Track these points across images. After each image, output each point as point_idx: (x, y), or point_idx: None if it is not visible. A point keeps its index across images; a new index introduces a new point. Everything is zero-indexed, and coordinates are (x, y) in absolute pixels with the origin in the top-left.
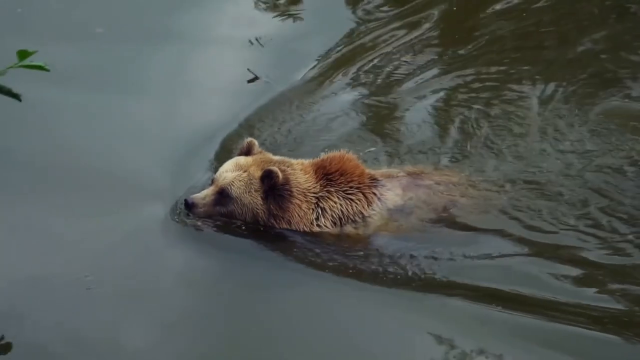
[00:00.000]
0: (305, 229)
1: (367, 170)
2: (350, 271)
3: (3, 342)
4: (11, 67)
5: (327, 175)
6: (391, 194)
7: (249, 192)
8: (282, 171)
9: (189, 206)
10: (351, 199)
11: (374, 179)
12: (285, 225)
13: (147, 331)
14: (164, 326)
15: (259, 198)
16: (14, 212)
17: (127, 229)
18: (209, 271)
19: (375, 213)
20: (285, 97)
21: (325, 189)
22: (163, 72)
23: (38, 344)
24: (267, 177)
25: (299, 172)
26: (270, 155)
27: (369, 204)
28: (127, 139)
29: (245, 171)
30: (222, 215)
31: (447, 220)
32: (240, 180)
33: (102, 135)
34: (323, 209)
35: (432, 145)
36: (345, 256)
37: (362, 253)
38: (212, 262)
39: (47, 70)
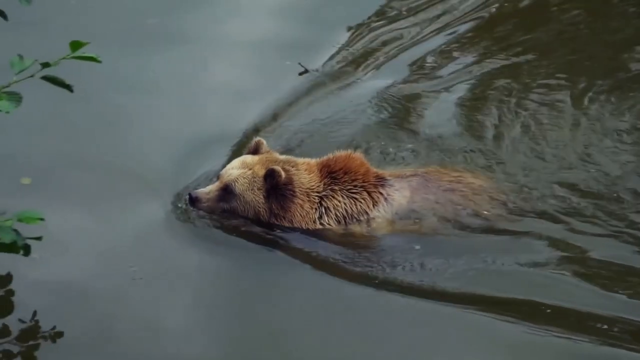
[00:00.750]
0: (308, 227)
1: (374, 170)
2: (353, 271)
3: (55, 330)
4: (64, 58)
5: (332, 174)
6: (398, 195)
7: (252, 189)
8: (286, 171)
9: (193, 200)
10: (355, 198)
11: (381, 178)
12: (287, 224)
13: (183, 320)
14: (197, 314)
15: (261, 196)
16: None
17: (153, 223)
18: (220, 269)
19: (380, 214)
20: (312, 90)
21: (329, 188)
22: (181, 72)
23: (95, 333)
24: (270, 176)
25: (303, 172)
26: (276, 155)
27: (375, 203)
28: (143, 136)
29: (250, 169)
30: (225, 211)
31: (460, 224)
32: (244, 178)
33: (122, 133)
34: (327, 208)
35: (463, 144)
36: (351, 257)
37: (366, 254)
38: (222, 259)
39: (99, 62)
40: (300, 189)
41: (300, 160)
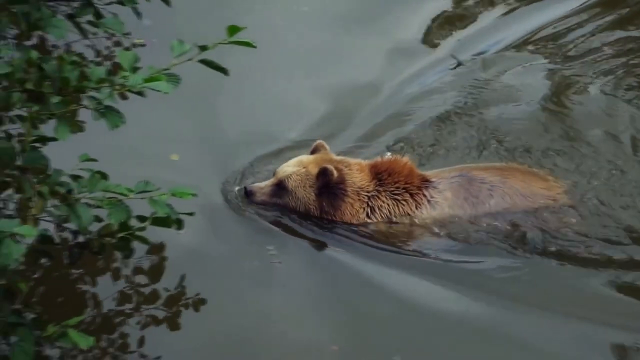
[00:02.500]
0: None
1: (419, 172)
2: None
3: (198, 297)
4: (220, 42)
5: (378, 175)
6: (441, 197)
7: (303, 187)
8: (339, 170)
9: (248, 194)
10: (397, 200)
11: (425, 180)
12: (336, 220)
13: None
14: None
15: (312, 194)
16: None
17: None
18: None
19: (424, 215)
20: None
21: (376, 189)
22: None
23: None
24: (322, 175)
25: (356, 171)
26: (332, 155)
27: (418, 205)
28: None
29: (304, 167)
30: (277, 205)
31: (503, 232)
32: (297, 175)
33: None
34: (372, 208)
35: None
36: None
37: (409, 255)
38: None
39: (254, 47)
40: (352, 188)
41: (353, 160)
